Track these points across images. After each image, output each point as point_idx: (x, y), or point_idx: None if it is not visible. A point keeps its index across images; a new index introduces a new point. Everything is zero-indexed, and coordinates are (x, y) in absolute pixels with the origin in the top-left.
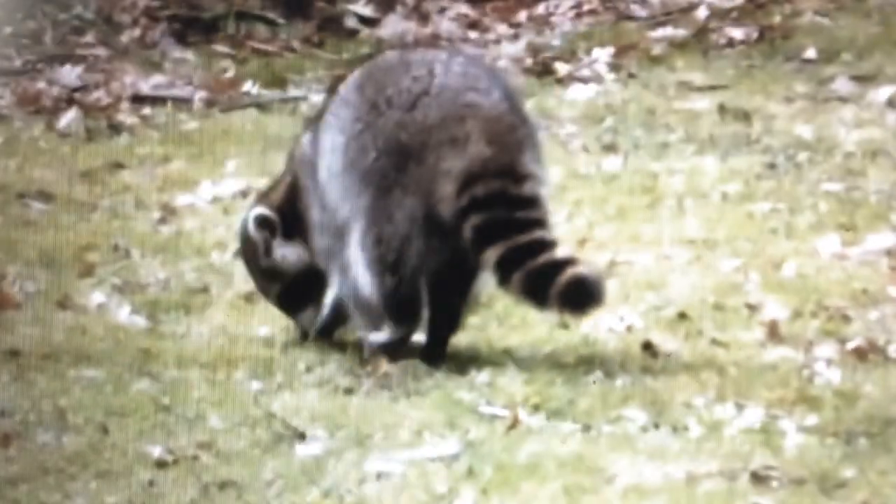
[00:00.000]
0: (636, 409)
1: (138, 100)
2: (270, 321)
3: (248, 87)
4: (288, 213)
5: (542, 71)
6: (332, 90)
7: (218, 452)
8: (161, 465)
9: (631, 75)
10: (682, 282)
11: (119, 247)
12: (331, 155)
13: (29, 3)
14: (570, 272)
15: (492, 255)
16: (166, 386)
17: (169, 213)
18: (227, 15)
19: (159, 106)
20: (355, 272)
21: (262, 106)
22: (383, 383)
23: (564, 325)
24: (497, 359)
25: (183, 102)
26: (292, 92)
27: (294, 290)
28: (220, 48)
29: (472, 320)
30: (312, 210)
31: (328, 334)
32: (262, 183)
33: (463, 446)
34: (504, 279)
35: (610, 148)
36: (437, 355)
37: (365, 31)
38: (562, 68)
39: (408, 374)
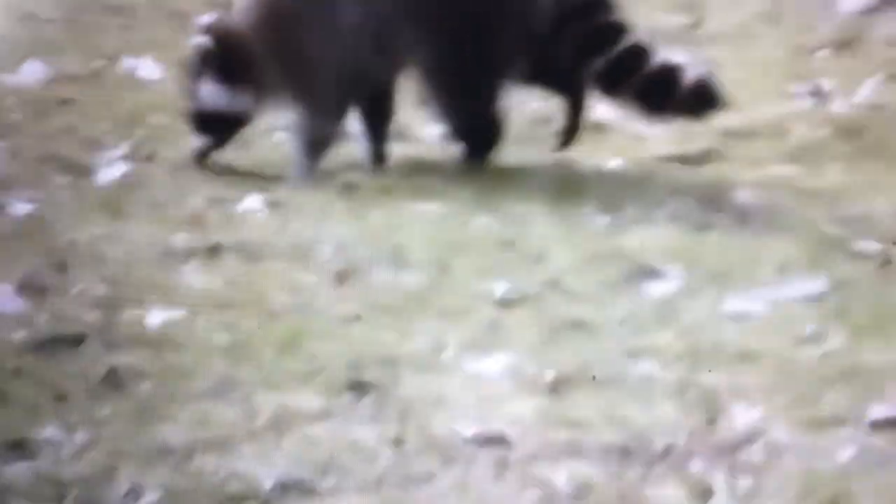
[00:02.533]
0: None
1: None
2: (620, 152)
3: None
4: (239, 53)
5: None
6: None
7: (565, 291)
8: (504, 303)
9: None
10: None
11: None
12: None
13: None
14: (692, 76)
15: (599, 62)
16: (508, 221)
17: None
18: None
19: None
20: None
21: None
22: (742, 218)
23: None
24: (869, 192)
25: None
26: None
27: (205, 118)
28: None
29: (842, 150)
30: (312, 49)
31: None
32: None
33: (831, 285)
34: (613, 86)
35: None
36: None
37: None
38: None
39: (768, 207)
